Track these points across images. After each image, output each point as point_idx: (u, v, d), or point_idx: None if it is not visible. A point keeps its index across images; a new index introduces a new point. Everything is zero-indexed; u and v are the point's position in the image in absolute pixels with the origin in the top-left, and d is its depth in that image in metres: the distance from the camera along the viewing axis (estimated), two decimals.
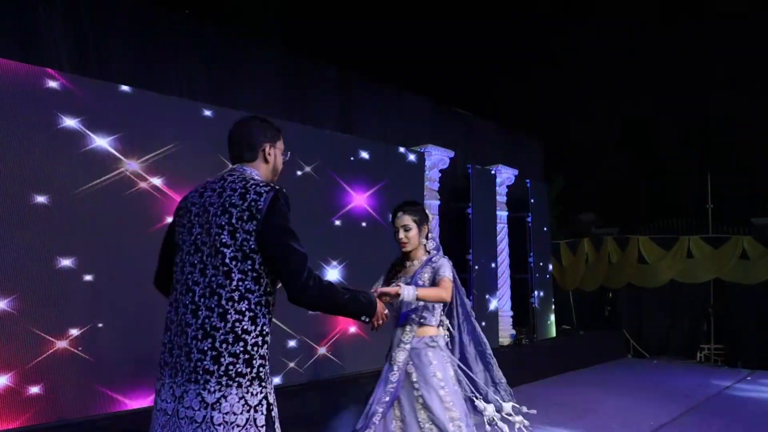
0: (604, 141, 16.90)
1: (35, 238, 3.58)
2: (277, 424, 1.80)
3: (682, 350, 9.70)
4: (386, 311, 2.22)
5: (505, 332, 7.72)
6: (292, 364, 4.88)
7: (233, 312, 1.73)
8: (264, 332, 1.80)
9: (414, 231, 2.85)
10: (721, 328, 9.40)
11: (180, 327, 1.78)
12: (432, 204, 6.70)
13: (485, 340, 3.08)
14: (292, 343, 4.88)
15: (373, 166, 5.79)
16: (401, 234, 2.85)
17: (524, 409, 2.91)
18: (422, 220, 2.89)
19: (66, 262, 3.70)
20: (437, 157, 6.81)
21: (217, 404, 1.68)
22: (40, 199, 3.62)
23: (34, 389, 3.50)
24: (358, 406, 3.08)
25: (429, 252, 2.93)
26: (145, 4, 5.19)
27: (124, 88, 4.16)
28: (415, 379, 2.77)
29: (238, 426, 1.68)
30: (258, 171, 1.97)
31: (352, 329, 5.35)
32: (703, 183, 10.71)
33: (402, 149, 6.30)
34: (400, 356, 2.78)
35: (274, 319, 1.90)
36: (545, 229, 8.87)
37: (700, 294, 9.55)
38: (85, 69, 4.70)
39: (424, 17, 14.77)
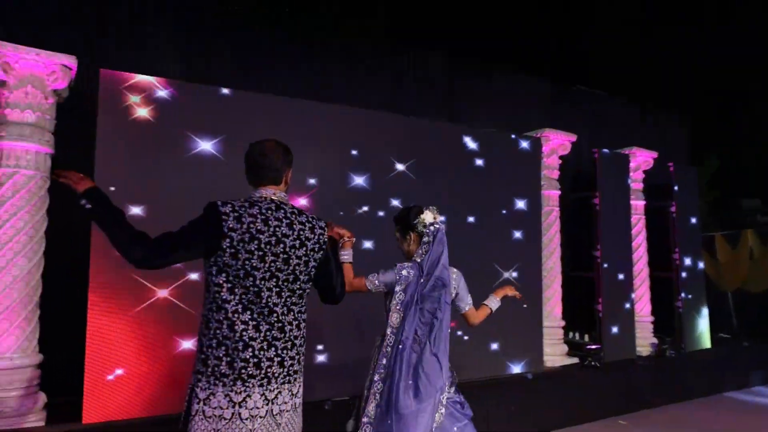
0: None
1: None
2: None
3: None
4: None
5: (645, 341, 6.84)
6: None
7: (303, 323, 2.19)
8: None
9: (401, 241, 2.95)
10: None
11: (267, 342, 2.04)
12: (551, 194, 6.13)
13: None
14: None
15: (480, 155, 5.42)
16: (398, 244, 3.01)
17: None
18: (405, 228, 2.91)
19: None
20: (556, 142, 6.20)
21: (297, 393, 2.16)
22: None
23: None
24: None
25: (421, 255, 2.89)
26: (248, 12, 5.39)
27: (225, 91, 4.30)
28: None
29: (300, 406, 2.19)
30: (285, 195, 2.23)
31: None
32: None
33: (513, 135, 5.82)
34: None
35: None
36: (694, 219, 7.72)
37: None
38: (191, 74, 4.98)
39: None
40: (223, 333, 1.98)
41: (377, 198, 4.80)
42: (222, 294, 1.99)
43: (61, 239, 4.23)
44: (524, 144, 5.82)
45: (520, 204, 5.66)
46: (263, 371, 2.01)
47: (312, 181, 4.54)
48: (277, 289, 2.06)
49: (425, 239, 2.81)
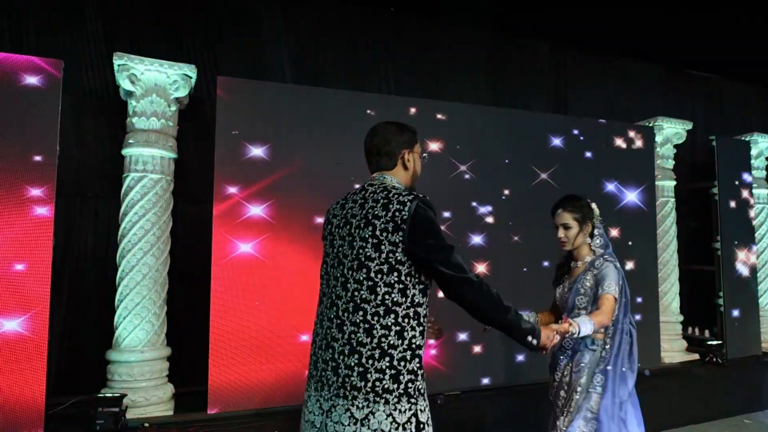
0: None
1: None
2: None
3: None
4: (556, 335, 2.08)
5: None
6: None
7: (379, 327, 1.70)
8: (413, 346, 1.73)
9: (574, 230, 2.66)
10: None
11: (326, 341, 1.78)
12: (666, 185, 5.76)
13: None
14: None
15: (590, 147, 5.17)
16: (560, 233, 2.68)
17: None
18: (585, 218, 2.67)
19: None
20: (670, 131, 5.80)
21: (366, 420, 1.65)
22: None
23: None
24: None
25: (594, 251, 2.68)
26: (353, 6, 5.41)
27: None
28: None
29: None
30: (398, 178, 1.94)
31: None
32: None
33: (624, 125, 5.51)
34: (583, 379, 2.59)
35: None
36: None
37: None
38: (302, 76, 5.08)
39: None
40: (314, 329, 1.91)
41: (485, 192, 4.72)
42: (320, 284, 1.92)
43: (185, 239, 4.49)
44: (637, 134, 5.49)
45: (633, 196, 5.36)
46: (319, 372, 1.78)
47: None
48: (343, 279, 1.77)
49: (597, 231, 2.71)
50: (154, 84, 3.96)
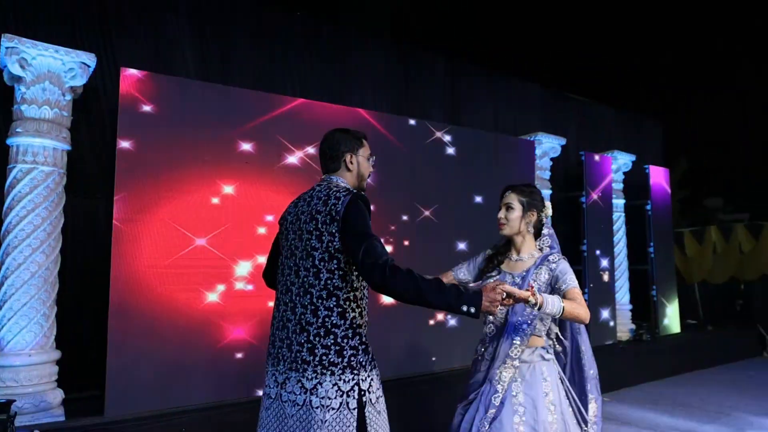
0: (731, 120, 15.26)
1: None
2: (374, 408, 1.93)
3: None
4: (504, 297, 1.93)
5: (624, 327, 7.28)
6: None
7: (323, 308, 1.91)
8: (355, 325, 1.93)
9: (517, 213, 2.45)
10: None
11: (281, 322, 2.00)
12: (543, 193, 6.43)
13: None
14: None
15: (481, 156, 5.65)
16: (501, 213, 2.48)
17: None
18: (530, 205, 2.47)
19: None
20: (548, 145, 6.50)
21: (314, 390, 1.86)
22: None
23: None
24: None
25: (542, 249, 2.51)
26: (265, 6, 5.43)
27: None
28: (521, 401, 2.29)
29: (333, 408, 1.85)
30: (343, 179, 2.13)
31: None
32: None
33: (511, 138, 6.10)
34: (506, 374, 2.34)
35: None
36: (666, 217, 8.18)
37: None
38: (208, 72, 5.00)
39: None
40: (273, 314, 2.11)
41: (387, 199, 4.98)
42: None
43: (75, 236, 4.24)
44: (521, 146, 6.09)
45: None
46: (275, 350, 2.00)
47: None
48: (295, 268, 1.99)
49: (546, 230, 2.56)
50: (47, 70, 3.72)
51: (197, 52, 5.06)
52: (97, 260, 4.17)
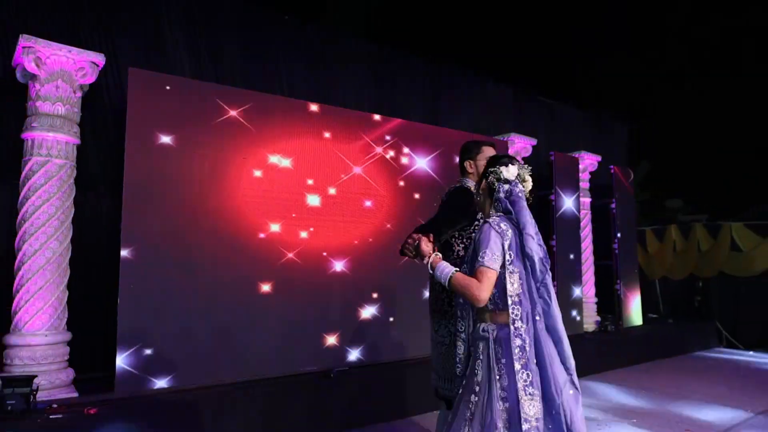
0: (691, 124, 16.14)
1: None
2: None
3: None
4: (415, 244, 2.31)
5: (590, 319, 7.74)
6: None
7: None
8: None
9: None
10: None
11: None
12: None
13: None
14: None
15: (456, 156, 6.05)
16: None
17: None
18: (483, 175, 2.37)
19: None
20: (520, 145, 6.94)
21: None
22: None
23: None
24: None
25: (490, 215, 2.28)
26: (253, 7, 5.74)
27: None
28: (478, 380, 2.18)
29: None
30: (469, 180, 3.03)
31: None
32: None
33: (485, 139, 6.50)
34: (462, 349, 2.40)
35: None
36: (630, 215, 8.75)
37: None
38: (201, 71, 5.30)
39: (506, 3, 14.63)
40: None
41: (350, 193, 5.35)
42: None
43: (82, 227, 4.48)
44: (494, 147, 6.50)
45: None
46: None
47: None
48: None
49: (501, 194, 2.28)
50: (60, 69, 3.98)
51: (193, 53, 5.35)
52: (101, 251, 4.43)
